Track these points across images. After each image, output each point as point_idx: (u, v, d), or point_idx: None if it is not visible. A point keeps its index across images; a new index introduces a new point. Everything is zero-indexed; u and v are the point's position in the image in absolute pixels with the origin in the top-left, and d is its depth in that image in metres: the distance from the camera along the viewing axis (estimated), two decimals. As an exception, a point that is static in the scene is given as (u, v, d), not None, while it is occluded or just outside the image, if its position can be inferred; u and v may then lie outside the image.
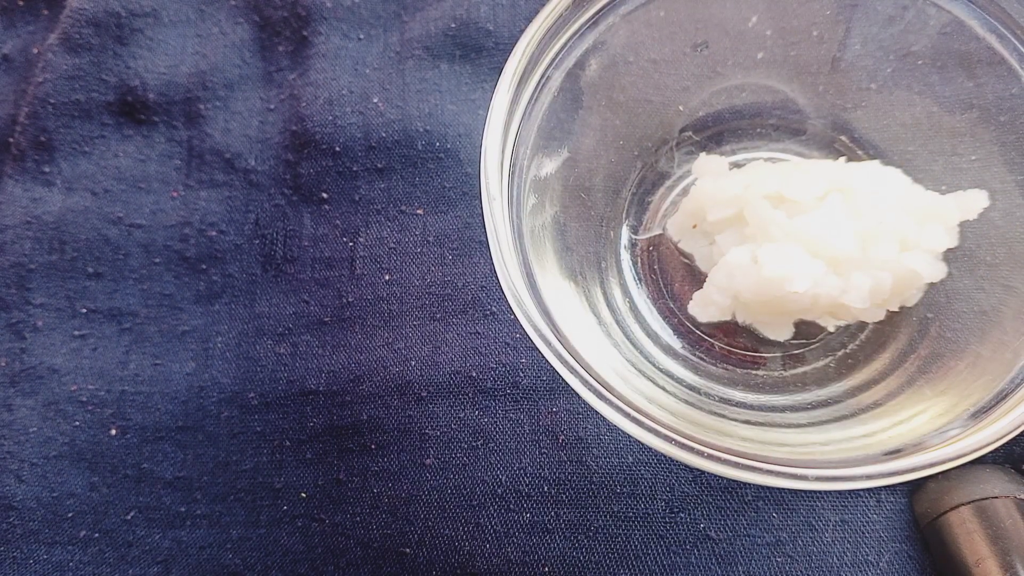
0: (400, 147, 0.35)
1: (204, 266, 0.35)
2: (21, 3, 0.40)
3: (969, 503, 0.25)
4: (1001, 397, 0.22)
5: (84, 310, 0.34)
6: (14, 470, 0.32)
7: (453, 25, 0.36)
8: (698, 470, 0.29)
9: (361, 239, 0.34)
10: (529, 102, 0.26)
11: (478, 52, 0.36)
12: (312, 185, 0.35)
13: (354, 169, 0.35)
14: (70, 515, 0.32)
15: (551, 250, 0.28)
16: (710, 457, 0.21)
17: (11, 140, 0.36)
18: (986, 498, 0.25)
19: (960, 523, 0.25)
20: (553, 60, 0.26)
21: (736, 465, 0.20)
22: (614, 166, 0.31)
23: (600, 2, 0.27)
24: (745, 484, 0.29)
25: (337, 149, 0.35)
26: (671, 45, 0.30)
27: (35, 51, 0.39)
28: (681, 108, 0.31)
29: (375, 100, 0.35)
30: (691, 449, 0.21)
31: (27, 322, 0.34)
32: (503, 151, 0.25)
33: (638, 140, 0.31)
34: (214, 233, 0.35)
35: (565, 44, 0.26)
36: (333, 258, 0.34)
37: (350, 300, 0.33)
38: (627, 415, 0.21)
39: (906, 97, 0.30)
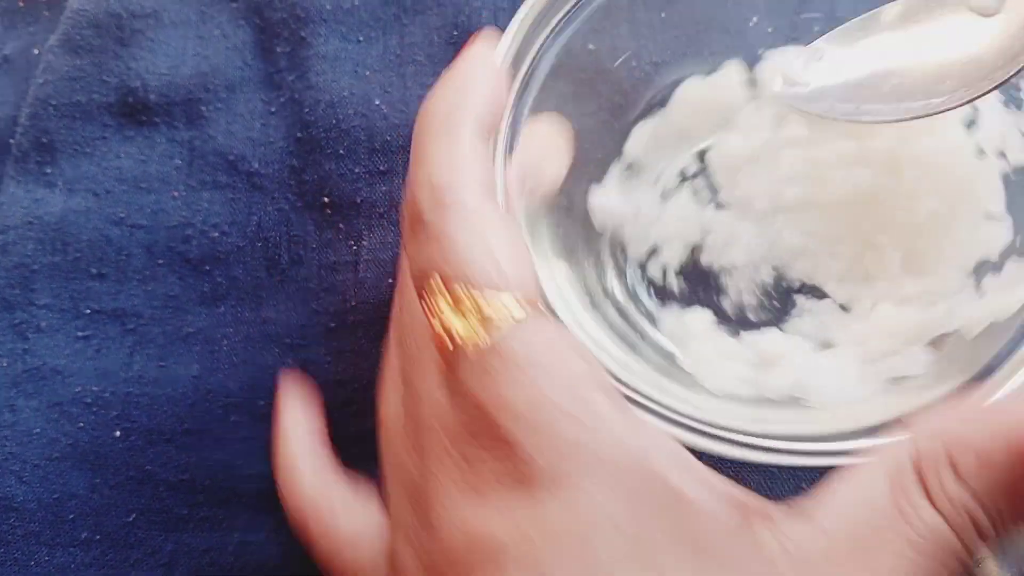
0: (404, 151, 0.35)
1: (208, 267, 0.35)
2: (22, 4, 0.40)
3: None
4: None
5: (88, 311, 0.34)
6: (16, 471, 0.32)
7: (455, 33, 0.36)
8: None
9: (364, 243, 0.34)
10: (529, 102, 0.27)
11: None
12: (316, 190, 0.35)
13: (356, 171, 0.35)
14: (71, 517, 0.32)
15: (550, 252, 0.28)
16: (746, 445, 0.21)
17: (12, 141, 0.36)
18: (986, 499, 0.25)
19: (960, 524, 0.25)
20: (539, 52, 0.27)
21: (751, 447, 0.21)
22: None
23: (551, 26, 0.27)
24: (744, 480, 0.29)
25: (341, 152, 0.35)
26: (673, 49, 0.31)
27: (36, 52, 0.39)
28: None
29: (377, 103, 0.35)
30: (726, 440, 0.21)
31: (31, 323, 0.34)
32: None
33: None
34: (216, 234, 0.35)
35: (556, 34, 0.27)
36: (338, 262, 0.34)
37: (354, 304, 0.33)
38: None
39: None
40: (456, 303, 0.19)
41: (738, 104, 0.31)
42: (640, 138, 0.31)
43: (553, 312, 0.24)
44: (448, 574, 0.18)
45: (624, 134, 0.31)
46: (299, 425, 0.30)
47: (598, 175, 0.31)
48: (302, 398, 0.31)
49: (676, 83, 0.31)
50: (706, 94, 0.31)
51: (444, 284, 0.19)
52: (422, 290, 0.20)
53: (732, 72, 0.31)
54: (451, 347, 0.19)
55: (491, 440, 0.18)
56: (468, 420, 0.18)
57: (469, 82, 0.23)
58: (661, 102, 0.31)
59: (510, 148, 0.26)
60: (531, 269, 0.21)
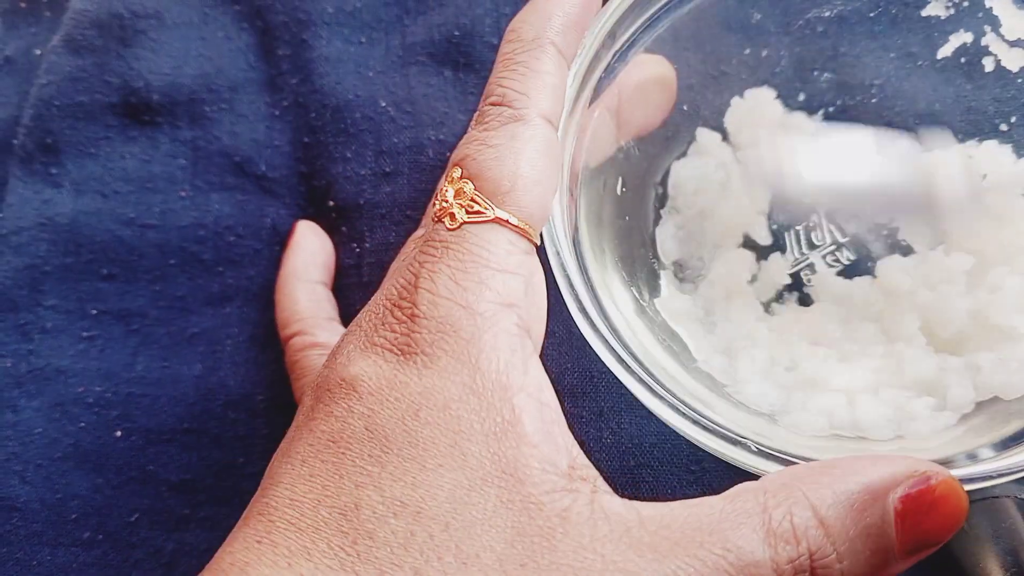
0: (410, 152, 0.35)
1: (221, 268, 0.35)
2: (23, 5, 0.40)
3: (969, 503, 0.25)
4: None
5: (94, 311, 0.34)
6: (18, 471, 0.32)
7: (457, 33, 0.36)
8: (700, 472, 0.30)
9: (367, 244, 0.34)
10: (575, 136, 0.27)
11: (483, 64, 0.36)
12: (323, 194, 0.35)
13: (362, 173, 0.35)
14: (73, 516, 0.32)
15: (611, 265, 0.28)
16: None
17: (15, 142, 0.36)
18: (986, 498, 0.25)
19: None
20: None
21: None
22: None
23: (624, 37, 0.27)
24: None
25: (348, 156, 0.35)
26: (684, 62, 0.31)
27: (38, 53, 0.39)
28: (685, 108, 0.31)
29: (383, 104, 0.36)
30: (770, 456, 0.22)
31: (36, 324, 0.34)
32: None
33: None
34: (232, 238, 0.35)
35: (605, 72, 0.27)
36: (342, 264, 0.34)
37: (358, 308, 0.33)
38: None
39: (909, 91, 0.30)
40: (457, 195, 0.21)
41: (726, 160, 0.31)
42: (666, 241, 0.31)
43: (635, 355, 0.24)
44: (321, 395, 0.21)
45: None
46: (311, 243, 0.34)
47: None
48: (320, 235, 0.34)
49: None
50: (697, 171, 0.31)
51: (460, 177, 0.21)
52: (450, 169, 0.22)
53: (704, 138, 0.31)
54: (434, 216, 0.21)
55: (404, 313, 0.20)
56: (403, 285, 0.21)
57: (552, 7, 0.24)
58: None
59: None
60: (546, 198, 0.22)
